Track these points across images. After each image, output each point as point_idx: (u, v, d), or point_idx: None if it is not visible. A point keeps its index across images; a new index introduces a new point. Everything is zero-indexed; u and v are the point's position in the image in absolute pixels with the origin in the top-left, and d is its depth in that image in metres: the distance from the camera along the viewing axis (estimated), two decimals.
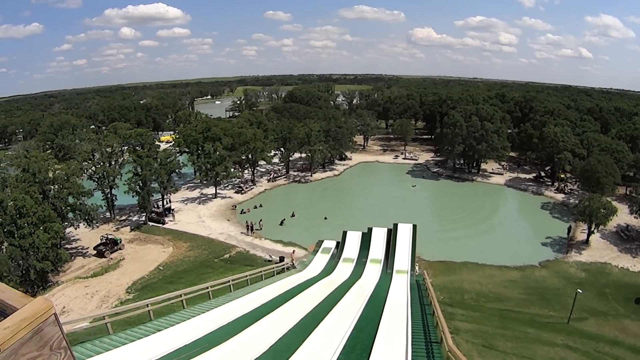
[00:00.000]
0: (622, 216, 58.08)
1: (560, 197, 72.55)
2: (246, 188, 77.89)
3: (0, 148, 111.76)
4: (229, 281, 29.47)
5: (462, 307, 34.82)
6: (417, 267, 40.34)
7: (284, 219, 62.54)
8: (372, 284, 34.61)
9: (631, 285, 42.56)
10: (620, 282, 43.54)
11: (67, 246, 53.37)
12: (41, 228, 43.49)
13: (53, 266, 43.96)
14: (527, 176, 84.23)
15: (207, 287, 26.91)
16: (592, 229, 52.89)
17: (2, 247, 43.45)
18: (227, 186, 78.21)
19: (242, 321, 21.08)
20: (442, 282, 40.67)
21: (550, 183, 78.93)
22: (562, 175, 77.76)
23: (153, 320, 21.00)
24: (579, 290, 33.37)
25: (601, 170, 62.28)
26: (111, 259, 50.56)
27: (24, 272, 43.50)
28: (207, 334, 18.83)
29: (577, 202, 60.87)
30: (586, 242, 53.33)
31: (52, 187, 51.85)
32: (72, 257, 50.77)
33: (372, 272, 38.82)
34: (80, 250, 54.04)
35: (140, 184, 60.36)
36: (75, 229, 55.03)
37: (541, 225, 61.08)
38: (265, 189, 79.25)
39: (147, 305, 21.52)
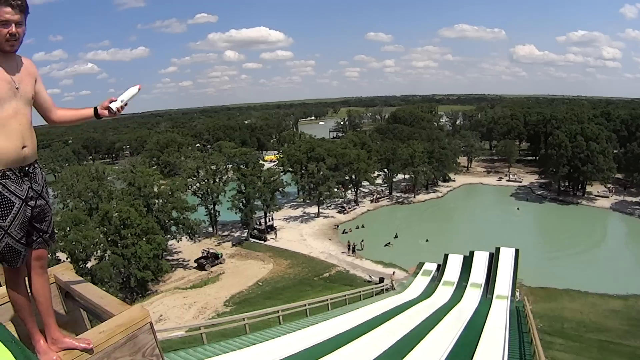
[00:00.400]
0: None
1: None
2: (349, 208, 77.69)
3: (108, 163, 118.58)
4: (327, 300, 28.89)
5: (561, 336, 32.48)
6: (517, 293, 38.04)
7: (389, 242, 61.23)
8: (471, 308, 33.03)
9: None
10: None
11: (168, 257, 55.50)
12: (144, 239, 45.36)
13: (153, 275, 45.62)
14: (635, 199, 78.14)
15: (305, 305, 26.40)
16: None
17: (106, 255, 45.10)
18: (330, 206, 78.45)
19: (338, 340, 20.36)
20: (542, 309, 38.25)
21: None
22: None
23: (248, 333, 20.68)
24: None
25: None
26: (211, 272, 51.73)
27: (124, 279, 45.63)
28: (301, 351, 18.24)
29: None
30: None
31: (157, 201, 53.88)
32: (173, 269, 52.68)
33: (472, 297, 37.12)
34: (181, 262, 55.96)
35: (244, 201, 61.85)
36: (178, 241, 57.34)
37: None
38: (368, 210, 78.74)
39: (244, 319, 21.33)
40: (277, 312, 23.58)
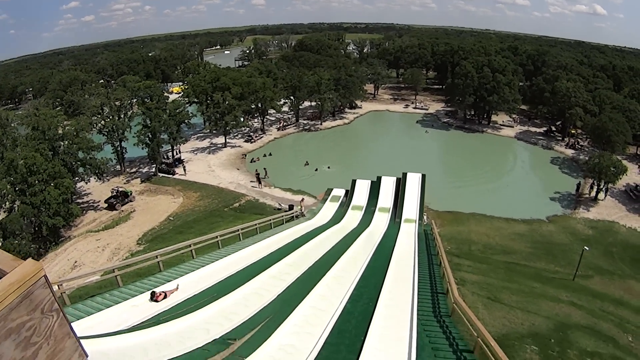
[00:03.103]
0: (632, 176, 57.16)
1: (570, 152, 71.15)
2: (256, 137, 77.41)
3: (11, 108, 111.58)
4: (238, 230, 29.47)
5: (469, 258, 34.80)
6: (425, 217, 40.33)
7: (317, 168, 62.80)
8: (380, 232, 34.69)
9: (638, 245, 41.98)
10: (628, 242, 42.95)
11: (78, 201, 53.95)
12: (52, 184, 43.87)
13: (65, 221, 44.27)
14: (538, 130, 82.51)
15: (217, 237, 26.94)
16: (601, 186, 52.38)
17: (14, 205, 43.66)
18: (237, 135, 78.14)
19: (251, 270, 21.14)
20: (449, 233, 40.61)
21: (560, 138, 77.28)
22: (572, 131, 76.14)
23: (163, 271, 21.17)
24: (585, 247, 32.88)
25: (612, 128, 61.07)
26: (122, 211, 50.98)
27: (36, 228, 44.16)
28: (215, 284, 18.98)
29: (587, 158, 60.05)
30: (594, 200, 52.75)
31: (62, 143, 51.68)
32: (84, 212, 51.23)
33: (381, 221, 38.90)
34: (91, 204, 54.36)
35: (150, 136, 60.15)
36: (86, 183, 55.59)
37: (550, 180, 60.26)
38: (275, 138, 78.81)
39: (157, 257, 21.65)
40: (189, 246, 24.00)
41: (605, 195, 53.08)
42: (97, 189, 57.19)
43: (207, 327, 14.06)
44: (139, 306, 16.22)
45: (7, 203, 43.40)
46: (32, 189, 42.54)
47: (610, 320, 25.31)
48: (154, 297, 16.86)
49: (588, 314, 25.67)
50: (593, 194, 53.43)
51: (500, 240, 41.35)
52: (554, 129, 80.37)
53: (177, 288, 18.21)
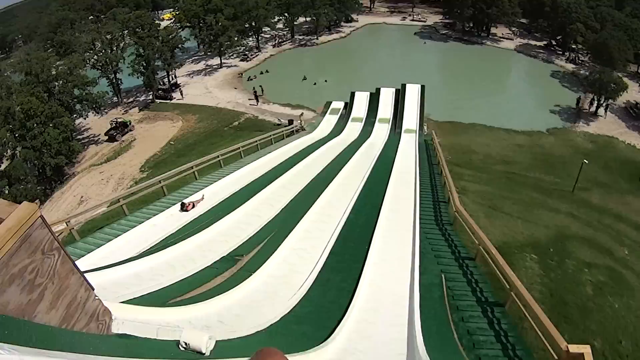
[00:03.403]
0: (632, 94, 55.74)
1: (570, 66, 68.97)
2: (251, 55, 76.11)
3: (2, 58, 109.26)
4: (238, 148, 29.40)
5: (469, 168, 34.88)
6: (425, 127, 40.06)
7: (315, 82, 62.17)
8: (380, 143, 34.67)
9: (637, 162, 41.82)
10: (626, 158, 42.83)
11: (78, 137, 53.90)
12: (50, 125, 43.85)
13: (67, 159, 44.79)
14: (538, 43, 79.45)
15: (218, 156, 26.88)
16: (601, 102, 51.54)
17: (16, 152, 43.84)
18: (232, 55, 76.29)
19: (254, 186, 21.31)
20: (450, 143, 40.38)
21: (561, 52, 74.78)
22: (573, 46, 73.33)
23: (167, 195, 21.31)
24: (585, 160, 32.55)
25: (613, 45, 58.82)
26: (123, 141, 51.17)
27: (40, 171, 44.48)
28: (219, 203, 19.19)
29: (587, 73, 58.24)
30: (594, 115, 52.04)
31: (56, 83, 50.96)
32: (85, 147, 51.48)
33: (381, 131, 38.72)
34: (92, 138, 54.48)
35: (144, 64, 59.26)
36: (85, 119, 55.31)
37: (550, 93, 58.91)
38: (271, 55, 77.18)
39: (160, 182, 21.71)
40: (192, 168, 24.09)
41: (606, 112, 52.35)
42: (96, 123, 56.81)
43: (215, 245, 14.36)
44: (146, 232, 16.48)
45: (9, 151, 43.69)
46: (31, 133, 42.59)
47: (607, 233, 25.60)
48: (184, 208, 18.09)
49: (586, 225, 25.96)
50: (593, 109, 52.71)
51: (501, 151, 41.46)
52: (554, 43, 77.80)
53: (203, 197, 19.29)
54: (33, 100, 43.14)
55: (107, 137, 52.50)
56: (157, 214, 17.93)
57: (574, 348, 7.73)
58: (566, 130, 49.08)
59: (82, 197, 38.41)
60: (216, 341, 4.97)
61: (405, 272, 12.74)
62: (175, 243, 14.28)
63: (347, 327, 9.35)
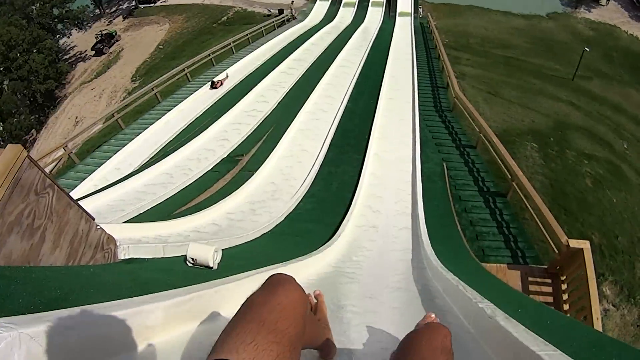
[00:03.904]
0: None
1: None
2: None
3: None
4: (230, 44, 28.29)
5: (467, 52, 34.27)
6: (420, 10, 38.54)
7: None
8: (375, 27, 33.35)
9: (639, 54, 40.42)
10: (628, 49, 41.40)
11: (65, 57, 52.42)
12: (34, 51, 42.63)
13: (56, 82, 43.72)
14: None
15: (209, 55, 25.93)
16: None
17: (3, 86, 42.70)
18: None
19: (250, 80, 20.88)
20: (446, 25, 39.47)
21: None
22: None
23: (161, 102, 20.97)
24: (586, 48, 31.83)
25: None
26: (111, 53, 49.91)
27: (31, 99, 43.51)
28: (216, 102, 18.96)
29: None
30: (596, 1, 49.57)
31: (33, 7, 48.87)
32: (73, 66, 50.34)
33: (375, 15, 37.22)
34: (79, 56, 53.00)
35: None
36: (69, 37, 53.73)
37: None
38: None
39: (152, 89, 21.27)
40: (183, 70, 23.47)
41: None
42: (81, 40, 54.91)
43: (215, 146, 14.40)
44: (145, 142, 16.40)
45: None
46: (16, 63, 41.52)
47: (607, 125, 25.47)
48: (214, 86, 19.26)
49: (586, 115, 25.80)
50: None
51: (499, 34, 40.50)
52: None
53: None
54: (12, 29, 41.66)
55: (94, 52, 51.19)
56: (153, 122, 17.71)
57: (574, 243, 7.83)
58: (567, 15, 47.51)
59: (76, 117, 38.03)
60: (222, 250, 4.96)
61: (407, 161, 12.67)
62: (175, 150, 14.12)
63: (352, 222, 9.35)
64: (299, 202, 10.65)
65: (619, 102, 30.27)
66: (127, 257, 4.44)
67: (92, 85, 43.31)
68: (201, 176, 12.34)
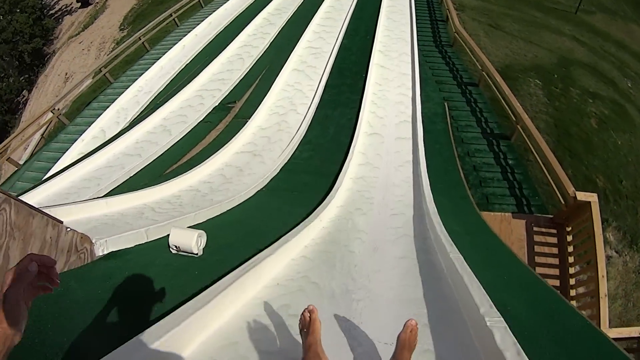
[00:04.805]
0: None
1: None
2: None
3: None
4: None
5: None
6: None
7: None
8: None
9: None
10: None
11: (50, 13, 50.42)
12: (17, 11, 41.41)
13: (44, 39, 42.62)
14: None
15: (139, 38, 24.57)
16: None
17: None
18: None
19: (241, 20, 20.04)
20: None
21: None
22: None
23: (150, 50, 20.28)
24: None
25: None
26: (97, 3, 48.02)
27: (19, 60, 42.25)
28: (205, 46, 18.29)
29: None
30: None
31: None
32: (59, 20, 48.74)
33: None
34: (64, 9, 50.96)
35: None
36: None
37: None
38: None
39: (140, 38, 20.51)
40: (170, 15, 22.52)
41: None
42: None
43: (206, 95, 13.80)
44: (134, 94, 16.01)
45: None
46: None
47: (611, 62, 24.49)
48: None
49: (590, 51, 24.79)
50: None
51: None
52: None
53: None
54: None
55: (79, 3, 49.19)
56: (142, 73, 17.09)
57: (581, 196, 7.60)
58: None
59: (66, 74, 37.03)
60: (213, 217, 4.65)
61: (406, 101, 12.07)
62: (165, 102, 13.55)
63: (350, 171, 8.95)
64: (295, 151, 10.17)
65: (622, 39, 29.15)
66: (105, 252, 4.15)
67: (80, 38, 41.93)
68: (192, 128, 11.89)
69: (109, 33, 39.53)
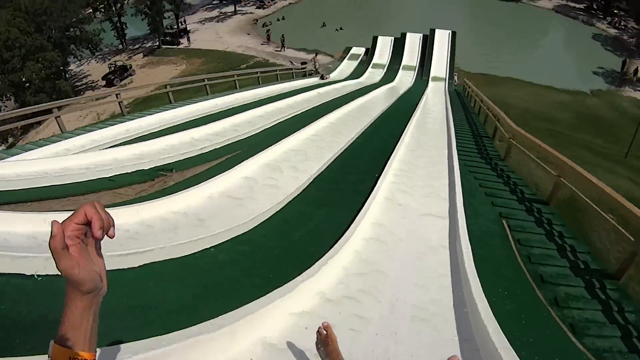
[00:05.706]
0: None
1: (613, 31, 63.12)
2: (268, 2, 71.81)
3: None
4: (233, 76, 24.54)
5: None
6: (455, 77, 35.85)
7: (339, 28, 58.29)
8: (405, 87, 30.05)
9: None
10: None
11: (76, 83, 51.11)
12: (32, 59, 40.41)
13: (49, 98, 40.17)
14: (578, 5, 72.99)
15: (204, 80, 22.60)
16: None
17: None
18: (248, 3, 72.78)
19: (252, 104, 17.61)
20: (484, 94, 35.95)
21: (602, 16, 68.56)
22: (615, 11, 67.88)
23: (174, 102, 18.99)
24: None
25: None
26: (121, 86, 46.92)
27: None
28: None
29: (632, 40, 54.83)
30: None
31: (45, 17, 46.22)
32: (81, 92, 48.11)
33: (406, 78, 34.40)
34: (89, 84, 51.40)
35: (148, 4, 54.32)
36: (79, 60, 52.40)
37: (592, 55, 53.40)
38: (290, 3, 72.82)
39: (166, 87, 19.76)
40: (203, 80, 21.76)
41: None
42: (96, 70, 53.67)
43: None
44: None
45: None
46: (9, 65, 39.10)
47: None
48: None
49: None
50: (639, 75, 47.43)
51: (541, 107, 37.07)
52: (595, 6, 71.60)
53: None
54: (13, 30, 39.48)
55: (104, 82, 48.90)
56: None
57: None
58: (611, 93, 44.58)
59: (53, 133, 35.07)
60: None
61: (441, 215, 7.74)
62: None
63: None
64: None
65: None
66: None
67: (83, 107, 40.25)
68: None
69: (111, 107, 37.91)
